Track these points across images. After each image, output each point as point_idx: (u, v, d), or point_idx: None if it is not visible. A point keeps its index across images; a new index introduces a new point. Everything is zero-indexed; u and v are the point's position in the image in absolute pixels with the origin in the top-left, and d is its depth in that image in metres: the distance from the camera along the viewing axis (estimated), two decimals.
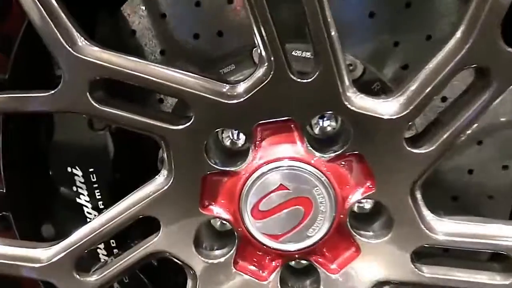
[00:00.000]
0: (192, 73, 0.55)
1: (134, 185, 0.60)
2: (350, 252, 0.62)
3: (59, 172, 0.69)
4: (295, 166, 0.57)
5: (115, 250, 0.71)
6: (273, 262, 0.63)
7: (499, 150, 0.74)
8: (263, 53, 0.53)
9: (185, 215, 0.60)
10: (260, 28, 0.51)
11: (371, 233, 0.62)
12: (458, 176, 0.75)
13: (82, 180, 0.69)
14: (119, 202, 0.59)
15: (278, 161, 0.57)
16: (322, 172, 0.57)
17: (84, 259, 0.62)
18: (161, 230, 0.60)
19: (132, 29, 0.72)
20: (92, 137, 0.68)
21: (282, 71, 0.53)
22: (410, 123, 0.55)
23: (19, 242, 0.66)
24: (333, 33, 0.52)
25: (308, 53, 0.63)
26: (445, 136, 0.55)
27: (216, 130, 0.57)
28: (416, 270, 0.60)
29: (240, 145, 0.62)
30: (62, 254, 0.60)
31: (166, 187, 0.58)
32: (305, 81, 0.53)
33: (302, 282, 0.65)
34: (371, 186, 0.59)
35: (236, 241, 0.61)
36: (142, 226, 0.61)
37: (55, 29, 0.52)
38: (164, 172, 0.59)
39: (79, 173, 0.69)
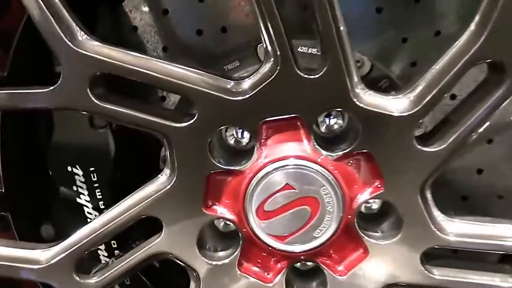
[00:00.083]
0: (196, 69, 0.54)
1: (135, 184, 0.59)
2: (358, 254, 0.61)
3: (59, 171, 0.69)
4: (302, 165, 0.56)
5: (116, 251, 0.71)
6: (279, 264, 0.62)
7: (509, 149, 0.73)
8: (269, 48, 0.52)
9: (188, 216, 0.59)
10: (267, 22, 0.50)
11: (379, 234, 0.61)
12: (467, 175, 0.74)
13: (83, 180, 0.69)
14: (120, 202, 0.59)
15: (284, 160, 0.57)
16: (329, 171, 0.56)
17: (85, 261, 0.61)
18: (163, 230, 0.59)
19: (133, 25, 0.71)
20: (93, 135, 0.67)
21: (289, 66, 0.52)
22: (420, 121, 0.54)
23: (17, 243, 0.66)
24: (341, 28, 0.51)
25: (314, 50, 0.62)
26: (456, 135, 0.54)
27: (220, 128, 0.56)
28: (426, 272, 0.59)
29: (244, 143, 0.61)
30: (62, 256, 0.59)
31: (168, 187, 0.57)
32: (312, 77, 0.52)
33: (308, 285, 0.64)
34: (379, 185, 0.58)
35: (241, 242, 0.60)
36: (144, 226, 0.60)
37: (54, 23, 0.51)
38: (166, 171, 0.58)
39: (80, 172, 0.68)
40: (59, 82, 0.53)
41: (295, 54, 0.52)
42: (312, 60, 0.60)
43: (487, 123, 0.54)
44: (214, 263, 0.61)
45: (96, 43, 0.52)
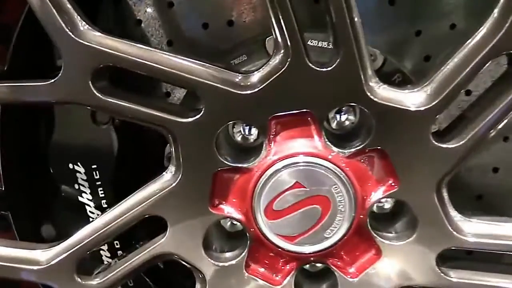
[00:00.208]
0: (202, 62, 0.53)
1: (139, 182, 0.58)
2: (370, 255, 0.60)
3: (60, 169, 0.68)
4: (312, 163, 0.55)
5: (119, 252, 0.70)
6: (287, 265, 0.61)
7: None
8: (280, 40, 0.51)
9: (194, 215, 0.58)
10: (278, 13, 0.49)
11: (393, 235, 0.60)
12: (483, 174, 0.72)
13: (84, 178, 0.68)
14: (123, 201, 0.58)
15: (294, 157, 0.56)
16: (341, 169, 0.55)
17: (86, 261, 0.60)
18: (168, 230, 0.58)
19: (137, 19, 0.70)
20: (95, 131, 0.66)
21: (300, 58, 0.51)
22: (437, 116, 0.52)
23: (17, 243, 0.65)
24: (356, 19, 0.50)
25: (325, 43, 0.61)
26: (474, 131, 0.53)
27: (228, 123, 0.55)
28: (442, 274, 0.58)
29: (251, 140, 0.60)
30: (63, 256, 0.58)
31: (173, 185, 0.56)
32: (324, 69, 0.51)
33: (318, 287, 0.63)
34: (393, 184, 0.57)
35: (248, 242, 0.59)
36: (148, 226, 0.59)
37: (55, 13, 0.50)
38: (171, 169, 0.57)
39: (81, 170, 0.67)
40: (59, 74, 0.52)
41: (306, 46, 0.51)
42: (322, 54, 0.58)
43: (506, 119, 0.53)
44: (220, 264, 0.60)
45: (99, 34, 0.51)
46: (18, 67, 0.63)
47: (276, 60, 0.51)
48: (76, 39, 0.50)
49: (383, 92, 0.52)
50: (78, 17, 0.51)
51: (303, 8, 0.65)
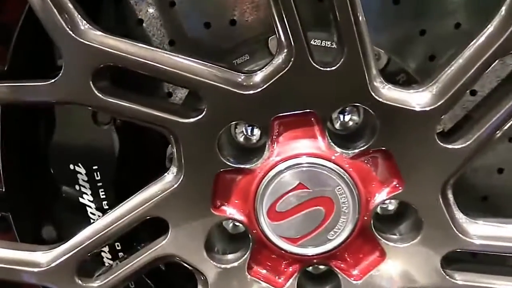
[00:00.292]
0: (205, 61, 0.52)
1: (140, 183, 0.58)
2: (374, 257, 0.60)
3: (60, 170, 0.67)
4: (316, 164, 0.55)
5: (121, 254, 0.69)
6: (290, 267, 0.61)
7: None
8: (283, 39, 0.50)
9: (196, 216, 0.57)
10: (281, 12, 0.49)
11: (397, 236, 0.59)
12: (488, 175, 0.71)
13: (85, 179, 0.67)
14: (124, 202, 0.57)
15: (297, 158, 0.55)
16: (344, 170, 0.55)
17: (87, 263, 0.60)
18: (169, 232, 0.58)
19: (139, 18, 0.69)
20: (96, 132, 0.66)
21: (304, 58, 0.50)
22: (442, 117, 0.52)
23: (17, 244, 0.65)
24: (360, 18, 0.49)
25: (328, 42, 0.60)
26: (480, 132, 0.52)
27: (230, 123, 0.55)
28: (447, 277, 0.57)
29: (254, 141, 0.59)
30: (63, 258, 0.58)
31: (175, 186, 0.56)
32: (328, 69, 0.51)
33: None
34: (398, 185, 0.56)
35: (251, 244, 0.59)
36: (150, 228, 0.59)
37: (55, 12, 0.50)
38: (173, 170, 0.57)
39: (82, 171, 0.67)
40: (60, 74, 0.51)
41: (310, 46, 0.50)
42: (326, 53, 0.58)
43: None
44: (222, 266, 0.59)
45: (99, 33, 0.51)
46: (19, 67, 0.62)
47: (279, 59, 0.51)
48: (77, 38, 0.50)
49: (388, 92, 0.52)
50: (79, 16, 0.50)
51: (307, 6, 0.64)
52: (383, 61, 0.63)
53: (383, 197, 0.56)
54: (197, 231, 0.57)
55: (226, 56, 0.65)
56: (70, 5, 0.50)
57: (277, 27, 0.50)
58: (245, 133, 0.59)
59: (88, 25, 0.51)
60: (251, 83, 0.52)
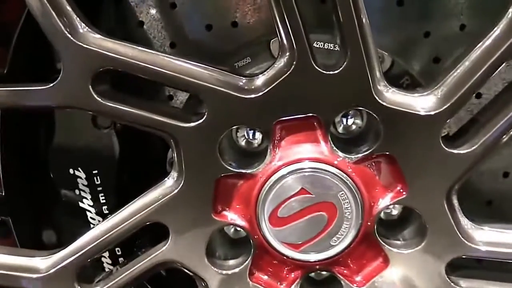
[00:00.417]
0: (206, 65, 0.52)
1: (141, 188, 0.57)
2: (377, 263, 0.59)
3: (60, 174, 0.67)
4: (318, 168, 0.54)
5: (121, 259, 0.69)
6: (292, 274, 0.60)
7: None
8: (285, 42, 0.49)
9: (197, 222, 0.57)
10: (283, 15, 0.48)
11: (401, 242, 0.59)
12: (493, 179, 0.71)
13: (85, 183, 0.67)
14: (125, 207, 0.57)
15: (299, 162, 0.54)
16: (348, 175, 0.54)
17: (87, 269, 0.59)
18: (170, 237, 0.57)
19: (139, 20, 0.69)
20: (96, 136, 0.65)
21: (306, 61, 0.50)
22: (448, 121, 0.51)
23: (16, 250, 0.64)
24: (364, 20, 0.48)
25: (331, 45, 0.59)
26: (487, 136, 0.52)
27: (231, 128, 0.54)
28: (452, 283, 0.57)
29: (256, 145, 0.59)
30: (63, 264, 0.57)
31: (175, 191, 0.55)
32: (331, 72, 0.50)
33: None
34: (402, 190, 0.55)
35: (252, 250, 0.58)
36: (150, 233, 0.58)
37: (54, 15, 0.49)
38: (173, 174, 0.56)
39: (82, 175, 0.66)
40: (59, 78, 0.51)
41: (312, 48, 0.49)
42: (328, 56, 0.57)
43: None
44: (224, 272, 0.59)
45: (99, 36, 0.50)
46: (18, 70, 0.62)
47: (281, 63, 0.50)
48: (76, 42, 0.49)
49: (392, 96, 0.51)
50: (78, 19, 0.50)
51: (309, 8, 0.64)
52: (387, 64, 0.62)
53: (386, 203, 0.55)
54: (198, 236, 0.57)
55: (227, 59, 0.65)
56: (69, 8, 0.49)
57: (278, 30, 0.49)
58: (246, 137, 0.58)
59: (87, 28, 0.50)
60: (253, 87, 0.51)
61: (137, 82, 0.53)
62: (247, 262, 0.58)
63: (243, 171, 0.55)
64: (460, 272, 0.58)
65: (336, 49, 0.57)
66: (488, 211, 0.72)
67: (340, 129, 0.57)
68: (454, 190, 0.54)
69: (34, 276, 0.57)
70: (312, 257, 0.56)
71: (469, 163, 0.52)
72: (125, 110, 0.52)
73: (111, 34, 0.53)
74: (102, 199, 0.67)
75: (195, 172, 0.54)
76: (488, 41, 0.48)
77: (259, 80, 0.51)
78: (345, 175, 0.54)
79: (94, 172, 0.66)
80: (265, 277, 0.60)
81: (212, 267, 0.58)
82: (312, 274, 0.62)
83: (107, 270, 0.68)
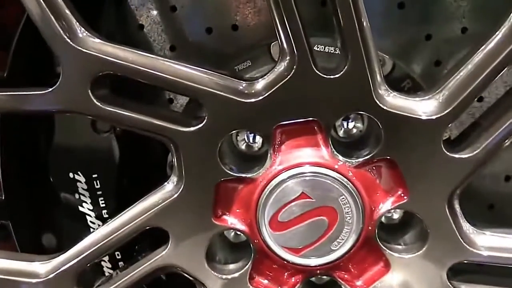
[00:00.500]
0: (205, 69, 0.52)
1: (141, 192, 0.57)
2: (378, 268, 0.59)
3: (60, 178, 0.67)
4: (319, 173, 0.54)
5: (121, 263, 0.69)
6: (293, 278, 0.60)
7: None
8: (285, 46, 0.49)
9: (197, 226, 0.56)
10: (283, 18, 0.48)
11: (402, 247, 0.58)
12: (494, 183, 0.70)
13: (85, 187, 0.66)
14: (124, 211, 0.56)
15: (300, 167, 0.54)
16: (348, 179, 0.54)
17: (87, 273, 0.59)
18: (170, 242, 0.57)
19: (139, 23, 0.69)
20: (96, 140, 0.65)
21: (307, 65, 0.49)
22: (449, 125, 0.51)
23: (15, 254, 0.64)
24: (364, 24, 0.48)
25: (332, 48, 0.59)
26: (489, 140, 0.51)
27: (231, 132, 0.54)
28: None
29: (256, 149, 0.59)
30: (62, 268, 0.57)
31: (175, 195, 0.55)
32: (331, 77, 0.50)
33: None
34: (403, 194, 0.55)
35: (252, 254, 0.58)
36: (150, 237, 0.58)
37: (53, 19, 0.49)
38: (173, 179, 0.56)
39: (82, 179, 0.66)
40: (58, 83, 0.50)
41: (313, 52, 0.49)
42: (329, 59, 0.57)
43: None
44: (224, 276, 0.58)
45: (98, 40, 0.50)
46: (18, 73, 0.62)
47: (281, 67, 0.50)
48: (75, 46, 0.49)
49: (393, 100, 0.51)
50: (77, 23, 0.50)
51: (309, 11, 0.64)
52: (388, 67, 0.62)
53: (387, 207, 0.55)
54: (198, 241, 0.56)
55: (227, 62, 0.64)
56: (68, 12, 0.49)
57: (279, 33, 0.49)
58: (246, 141, 0.58)
59: (86, 32, 0.50)
60: (253, 91, 0.51)
61: (137, 86, 0.53)
62: (247, 266, 0.58)
63: (243, 175, 0.55)
64: (462, 277, 0.57)
65: (336, 52, 0.57)
66: (490, 215, 0.71)
67: (340, 133, 0.57)
68: (455, 195, 0.53)
69: (34, 281, 0.57)
70: (313, 261, 0.56)
71: (471, 167, 0.52)
72: (124, 114, 0.52)
73: (111, 37, 0.53)
74: (102, 203, 0.67)
75: (195, 177, 0.54)
76: (490, 45, 0.48)
77: (259, 84, 0.51)
78: (345, 180, 0.53)
79: (94, 176, 0.66)
80: (265, 281, 0.60)
81: (212, 271, 0.58)
82: (313, 279, 0.61)
83: (107, 274, 0.68)
